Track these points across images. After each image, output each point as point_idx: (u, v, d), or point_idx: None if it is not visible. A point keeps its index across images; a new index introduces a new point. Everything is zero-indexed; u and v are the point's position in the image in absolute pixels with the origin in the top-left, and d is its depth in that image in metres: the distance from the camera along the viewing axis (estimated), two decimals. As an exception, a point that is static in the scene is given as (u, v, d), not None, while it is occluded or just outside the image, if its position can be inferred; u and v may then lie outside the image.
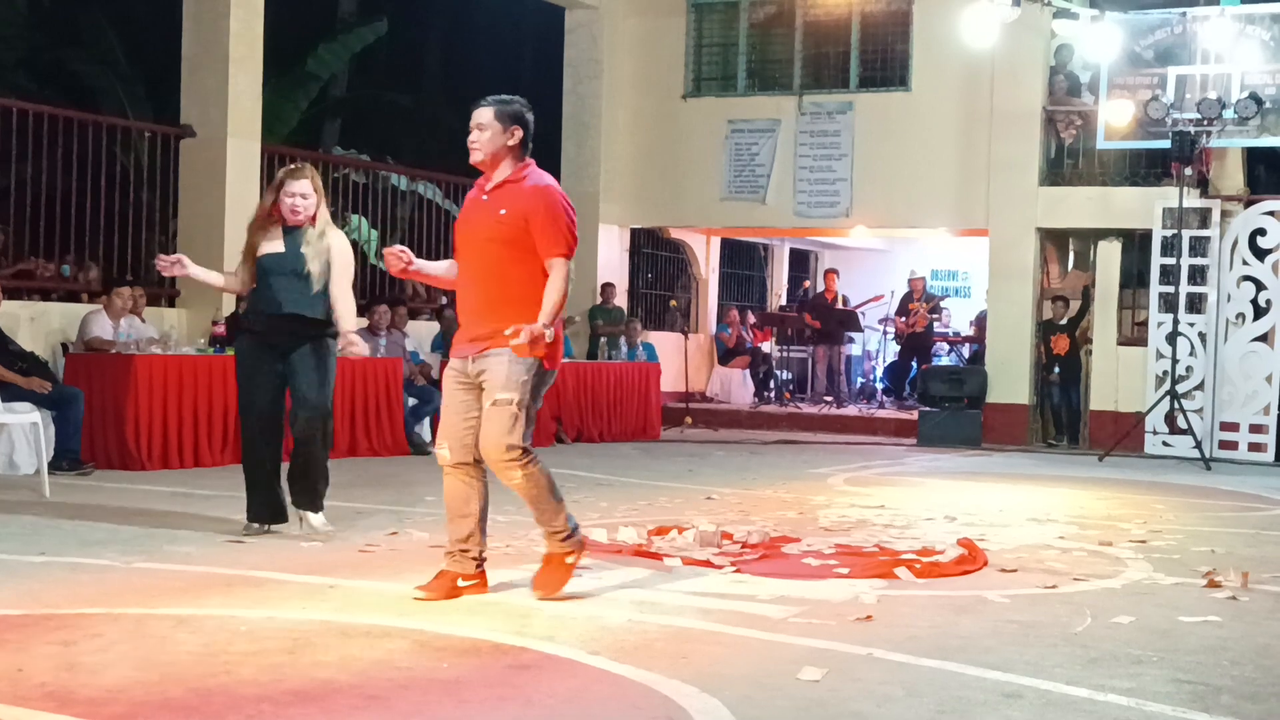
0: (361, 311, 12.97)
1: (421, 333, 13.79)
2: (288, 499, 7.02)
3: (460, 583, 5.41)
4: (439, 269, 5.76)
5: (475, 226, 5.49)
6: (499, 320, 5.28)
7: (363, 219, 16.09)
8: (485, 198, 5.52)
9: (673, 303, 18.56)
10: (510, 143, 5.53)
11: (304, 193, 6.80)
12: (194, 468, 9.98)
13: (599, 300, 16.51)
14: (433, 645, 4.56)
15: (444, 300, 15.10)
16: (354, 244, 15.88)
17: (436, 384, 12.71)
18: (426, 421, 12.41)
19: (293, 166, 6.95)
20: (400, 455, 11.54)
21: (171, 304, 12.28)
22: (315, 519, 6.96)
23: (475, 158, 5.54)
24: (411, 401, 12.04)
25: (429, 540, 6.83)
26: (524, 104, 5.63)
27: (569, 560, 5.51)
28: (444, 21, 26.04)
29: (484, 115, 5.54)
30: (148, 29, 17.63)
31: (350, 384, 11.30)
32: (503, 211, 5.43)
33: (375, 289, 15.32)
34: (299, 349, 6.87)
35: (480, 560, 5.48)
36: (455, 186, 16.35)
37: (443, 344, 13.48)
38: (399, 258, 5.44)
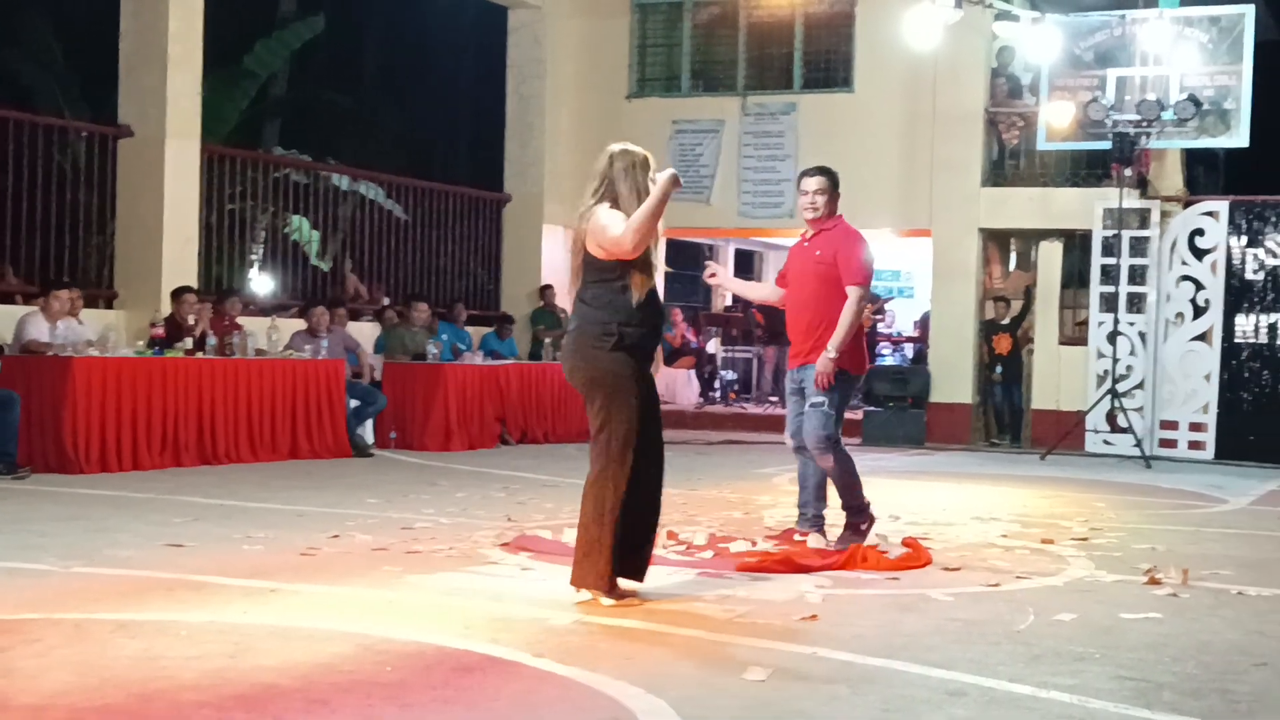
0: (300, 313, 12.95)
1: (365, 333, 13.70)
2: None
3: (796, 536, 7.01)
4: (755, 289, 7.85)
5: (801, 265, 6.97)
6: (816, 339, 6.80)
7: (304, 219, 15.96)
8: (807, 244, 6.99)
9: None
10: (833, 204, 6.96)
11: None
12: (132, 471, 9.85)
13: (540, 303, 16.45)
14: (376, 648, 4.52)
15: (385, 301, 15.02)
16: (294, 245, 15.90)
17: (378, 385, 12.66)
18: (369, 423, 12.33)
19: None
20: (342, 457, 11.45)
21: (110, 305, 12.13)
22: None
23: (815, 219, 6.94)
24: (354, 403, 11.95)
25: (371, 543, 6.78)
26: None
27: (863, 528, 6.96)
28: (384, 21, 25.91)
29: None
30: (85, 28, 17.43)
31: (291, 385, 11.22)
32: (818, 253, 6.88)
33: (315, 290, 15.21)
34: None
35: (817, 519, 7.05)
36: (397, 187, 16.26)
37: (385, 345, 13.39)
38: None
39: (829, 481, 7.04)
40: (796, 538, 7.04)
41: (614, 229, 5.31)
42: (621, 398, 5.37)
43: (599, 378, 5.39)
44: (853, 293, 6.78)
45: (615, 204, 5.42)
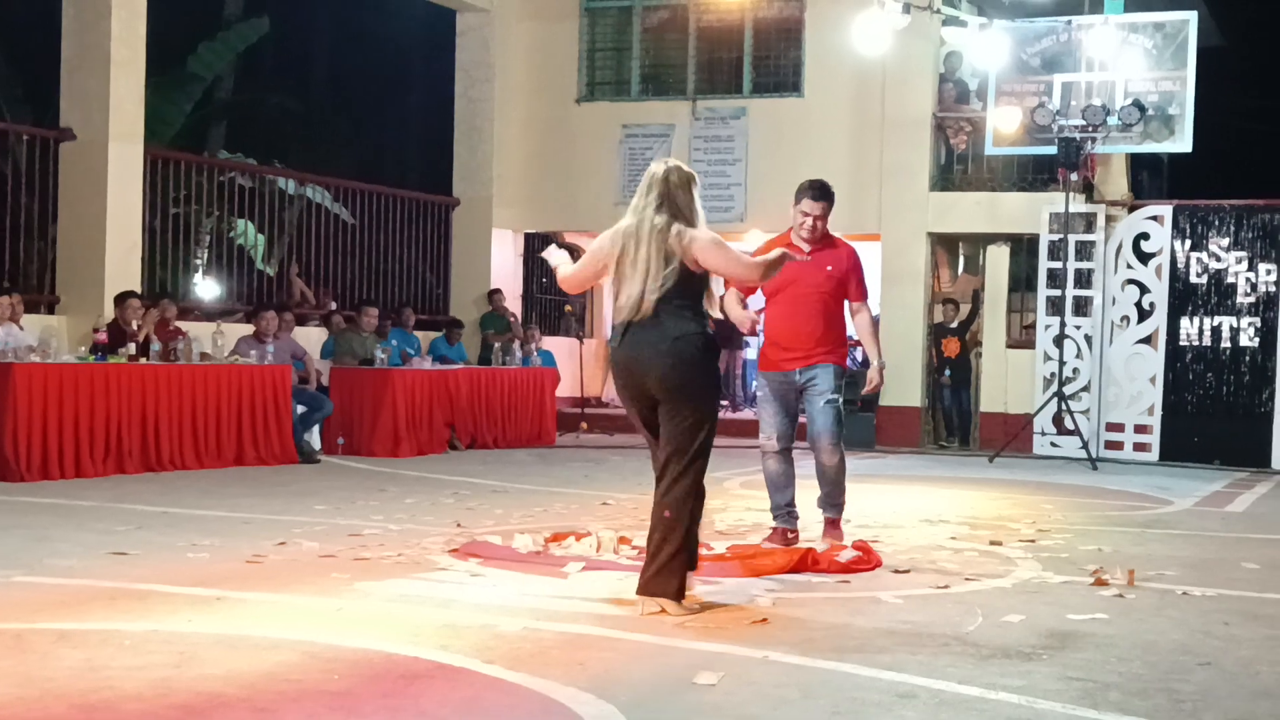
0: (248, 317, 12.83)
1: (311, 338, 13.60)
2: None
3: (788, 535, 7.17)
4: (736, 310, 7.02)
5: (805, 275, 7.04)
6: (824, 344, 7.09)
7: (249, 224, 15.83)
8: (808, 256, 7.01)
9: (567, 308, 18.51)
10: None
11: None
12: (75, 478, 9.72)
13: (489, 307, 16.40)
14: (323, 657, 4.48)
15: (332, 306, 14.92)
16: (240, 249, 15.77)
17: (325, 390, 12.56)
18: (316, 429, 12.23)
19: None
20: (289, 464, 11.35)
21: (51, 311, 11.97)
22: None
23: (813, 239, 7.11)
24: (300, 409, 11.85)
25: (319, 550, 6.72)
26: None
27: (841, 525, 7.26)
28: (332, 23, 25.75)
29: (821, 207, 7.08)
30: (26, 30, 17.20)
31: (237, 391, 11.11)
32: (829, 268, 7.09)
33: (261, 295, 15.09)
34: None
35: (795, 514, 7.25)
36: (344, 190, 16.15)
37: (333, 349, 13.30)
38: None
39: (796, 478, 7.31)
40: (789, 535, 7.20)
41: (750, 263, 5.72)
42: (717, 410, 5.58)
43: (712, 389, 5.53)
44: (868, 308, 7.29)
45: (679, 217, 5.48)
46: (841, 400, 7.14)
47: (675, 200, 5.49)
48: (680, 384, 5.36)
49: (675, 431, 5.37)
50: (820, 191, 7.10)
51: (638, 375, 5.42)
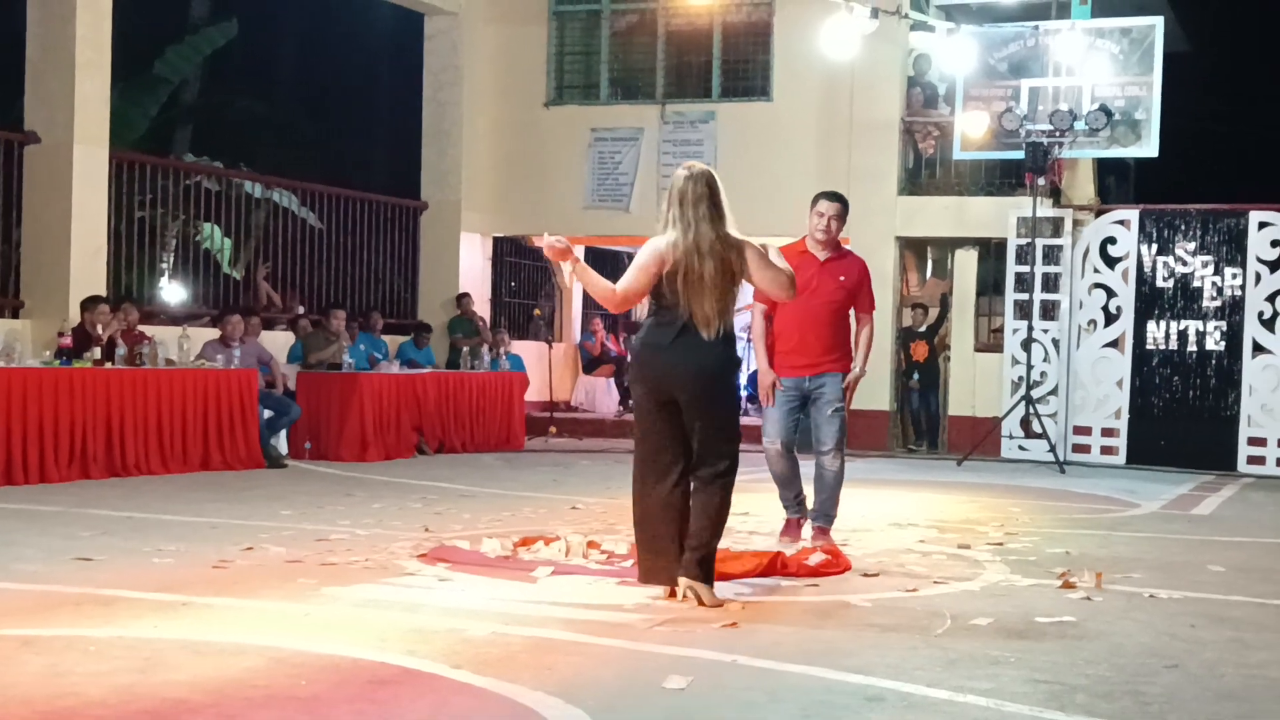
0: (214, 321, 12.75)
1: (279, 343, 13.53)
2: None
3: (802, 523, 7.53)
4: (764, 353, 7.44)
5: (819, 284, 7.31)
6: (833, 352, 7.38)
7: (216, 227, 15.74)
8: (824, 264, 7.40)
9: (536, 312, 18.49)
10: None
11: None
12: (39, 483, 9.63)
13: (457, 311, 16.36)
14: (290, 662, 4.45)
15: (299, 310, 14.85)
16: (206, 253, 15.67)
17: (292, 396, 12.50)
18: (283, 434, 12.17)
19: None
20: (255, 468, 11.29)
21: (15, 315, 11.87)
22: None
23: (828, 240, 7.47)
24: (267, 413, 11.79)
25: (285, 555, 6.69)
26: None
27: (831, 537, 7.43)
28: (299, 26, 25.65)
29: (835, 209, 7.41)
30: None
31: (203, 395, 11.04)
32: (842, 278, 7.41)
33: (227, 299, 15.01)
34: None
35: (805, 502, 7.55)
36: (311, 194, 16.08)
37: (301, 354, 13.24)
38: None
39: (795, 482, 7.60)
40: (803, 523, 7.59)
41: (786, 280, 5.72)
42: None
43: (737, 401, 5.88)
44: (871, 319, 7.59)
45: (727, 224, 5.66)
46: (844, 410, 7.45)
47: (720, 205, 5.66)
48: (709, 395, 5.60)
49: (708, 434, 5.61)
50: (835, 195, 7.51)
51: (666, 379, 5.60)
